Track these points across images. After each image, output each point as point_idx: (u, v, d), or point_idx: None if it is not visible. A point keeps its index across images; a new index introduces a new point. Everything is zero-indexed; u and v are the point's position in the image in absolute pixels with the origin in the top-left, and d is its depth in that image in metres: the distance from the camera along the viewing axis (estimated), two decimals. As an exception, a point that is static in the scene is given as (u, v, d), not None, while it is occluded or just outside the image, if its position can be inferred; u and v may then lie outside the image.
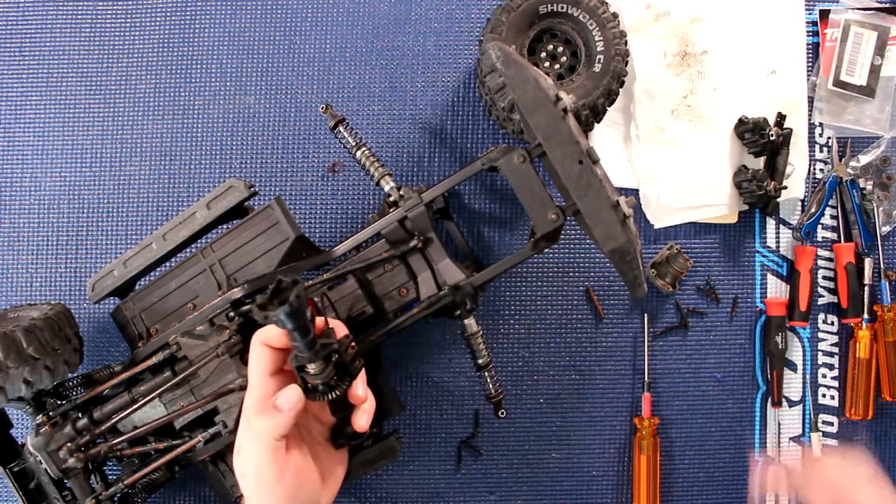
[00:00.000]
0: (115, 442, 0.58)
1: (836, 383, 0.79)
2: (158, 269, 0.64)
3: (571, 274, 0.77)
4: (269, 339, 0.48)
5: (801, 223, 0.77)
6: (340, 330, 0.50)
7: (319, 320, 0.47)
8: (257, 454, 0.47)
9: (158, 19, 0.77)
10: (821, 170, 0.79)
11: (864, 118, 0.78)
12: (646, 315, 0.77)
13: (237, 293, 0.58)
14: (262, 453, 0.47)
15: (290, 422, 0.47)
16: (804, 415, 0.78)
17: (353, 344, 0.49)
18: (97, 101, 0.77)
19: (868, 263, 0.77)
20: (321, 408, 0.53)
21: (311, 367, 0.45)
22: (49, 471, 0.59)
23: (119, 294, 0.64)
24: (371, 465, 0.59)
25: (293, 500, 0.48)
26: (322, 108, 0.62)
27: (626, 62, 0.69)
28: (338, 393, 0.47)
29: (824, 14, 0.79)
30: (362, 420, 0.50)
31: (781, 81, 0.78)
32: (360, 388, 0.50)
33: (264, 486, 0.47)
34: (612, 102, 0.70)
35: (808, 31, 0.79)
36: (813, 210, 0.77)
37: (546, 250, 0.63)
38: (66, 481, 0.60)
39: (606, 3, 0.68)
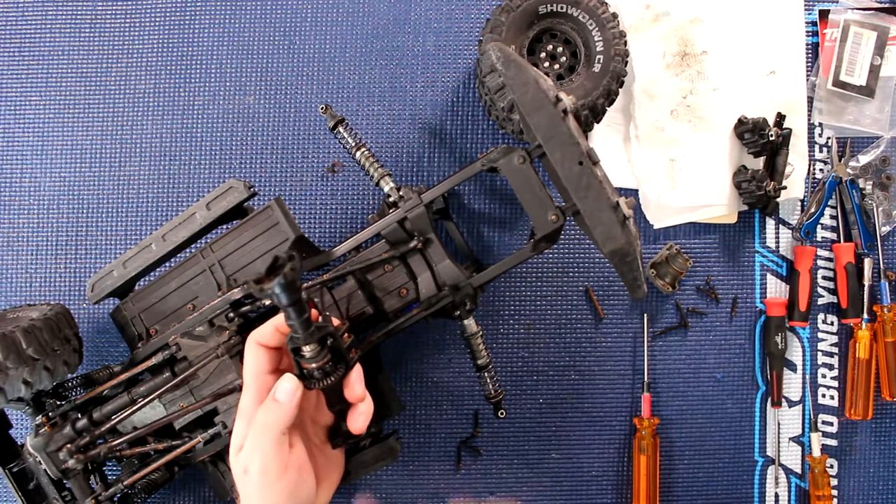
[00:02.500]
0: (114, 443, 0.58)
1: (835, 383, 0.79)
2: (158, 269, 0.64)
3: (571, 274, 0.77)
4: (263, 338, 0.49)
5: (800, 223, 0.77)
6: (335, 321, 0.50)
7: (314, 312, 0.48)
8: (263, 448, 0.47)
9: (158, 19, 0.77)
10: (820, 170, 0.79)
11: (864, 118, 0.78)
12: (646, 315, 0.77)
13: (237, 294, 0.58)
14: (269, 447, 0.47)
15: (293, 412, 0.47)
16: (804, 415, 0.78)
17: (348, 333, 0.50)
18: (97, 101, 0.77)
19: (868, 263, 0.77)
20: (317, 408, 0.53)
21: (307, 350, 0.46)
22: (48, 471, 0.59)
23: (118, 295, 0.64)
24: (371, 466, 0.59)
25: (293, 496, 0.48)
26: (322, 108, 0.62)
27: (626, 62, 0.69)
28: (333, 379, 0.47)
29: (824, 14, 0.79)
30: (359, 421, 0.50)
31: (781, 81, 0.78)
32: (357, 386, 0.50)
33: (268, 480, 0.47)
34: (611, 103, 0.70)
35: (807, 32, 0.79)
36: (812, 210, 0.77)
37: (546, 251, 0.63)
38: (65, 482, 0.60)
39: (606, 4, 0.68)
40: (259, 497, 0.47)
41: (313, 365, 0.47)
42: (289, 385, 0.47)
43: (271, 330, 0.49)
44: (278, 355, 0.50)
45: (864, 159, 0.79)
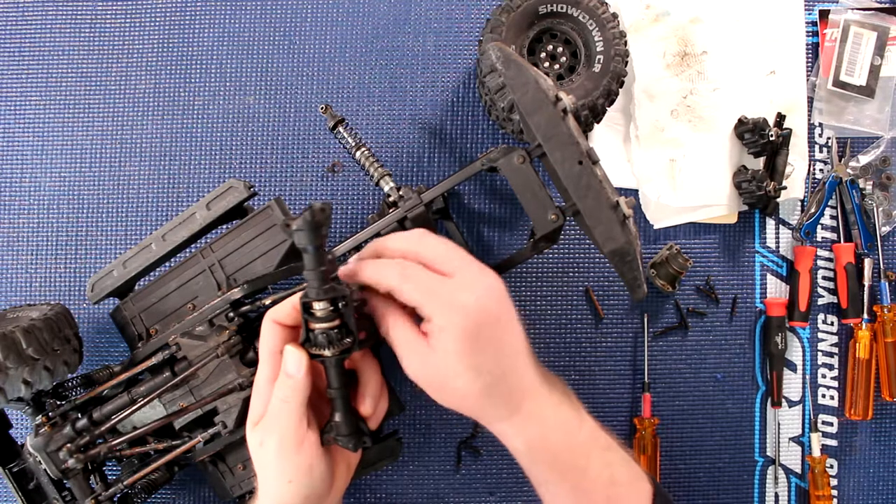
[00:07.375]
0: (114, 442, 0.58)
1: (835, 383, 0.79)
2: (158, 269, 0.64)
3: (571, 274, 0.77)
4: (279, 315, 0.50)
5: (800, 223, 0.77)
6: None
7: None
8: (281, 422, 0.48)
9: (158, 19, 0.77)
10: (820, 170, 0.79)
11: (864, 118, 0.78)
12: (646, 315, 0.77)
13: (237, 293, 0.58)
14: (286, 421, 0.47)
15: (307, 382, 0.48)
16: (804, 415, 0.78)
17: (358, 312, 0.50)
18: (97, 101, 0.77)
19: (868, 264, 0.77)
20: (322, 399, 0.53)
21: (318, 308, 0.46)
22: (48, 471, 0.59)
23: (118, 294, 0.64)
24: (371, 467, 0.59)
25: (309, 472, 0.48)
26: (322, 108, 0.62)
27: (626, 62, 0.69)
28: (336, 349, 0.47)
29: (824, 14, 0.79)
30: (367, 405, 0.51)
31: (781, 82, 0.78)
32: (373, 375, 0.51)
33: (285, 453, 0.47)
34: (611, 103, 0.70)
35: (807, 32, 0.79)
36: (812, 210, 0.77)
37: (546, 250, 0.63)
38: (65, 482, 0.60)
39: (606, 4, 0.68)
40: (276, 470, 0.48)
41: (320, 326, 0.46)
42: (292, 356, 0.48)
43: (289, 308, 0.49)
44: (293, 334, 0.50)
45: (864, 159, 0.79)
